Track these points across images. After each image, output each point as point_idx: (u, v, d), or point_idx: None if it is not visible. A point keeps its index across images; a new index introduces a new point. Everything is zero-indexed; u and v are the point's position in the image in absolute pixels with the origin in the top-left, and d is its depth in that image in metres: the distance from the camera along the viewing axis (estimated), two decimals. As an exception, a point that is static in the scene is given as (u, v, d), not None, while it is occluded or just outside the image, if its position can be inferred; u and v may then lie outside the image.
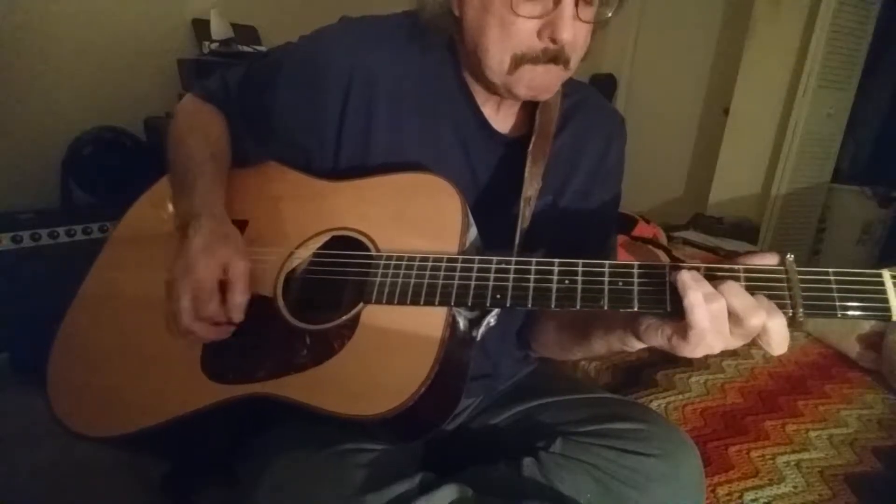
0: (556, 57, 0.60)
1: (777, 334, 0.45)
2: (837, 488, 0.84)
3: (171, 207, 0.71)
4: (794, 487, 0.84)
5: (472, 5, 0.60)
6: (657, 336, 0.51)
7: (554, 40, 0.58)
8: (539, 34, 0.58)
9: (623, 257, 1.64)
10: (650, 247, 1.83)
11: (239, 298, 0.60)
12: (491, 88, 0.66)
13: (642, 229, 2.03)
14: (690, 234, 2.43)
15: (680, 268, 0.49)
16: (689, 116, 3.08)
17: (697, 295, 0.45)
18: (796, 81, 2.32)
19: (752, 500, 0.81)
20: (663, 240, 2.07)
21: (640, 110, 3.21)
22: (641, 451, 0.63)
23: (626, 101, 3.33)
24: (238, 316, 0.60)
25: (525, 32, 0.58)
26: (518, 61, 0.60)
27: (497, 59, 0.60)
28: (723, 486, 0.83)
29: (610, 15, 0.61)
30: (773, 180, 2.44)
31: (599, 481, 0.62)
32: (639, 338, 0.54)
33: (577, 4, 0.57)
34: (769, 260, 0.49)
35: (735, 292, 0.46)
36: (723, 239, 2.39)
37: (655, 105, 3.17)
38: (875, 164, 2.52)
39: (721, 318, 0.46)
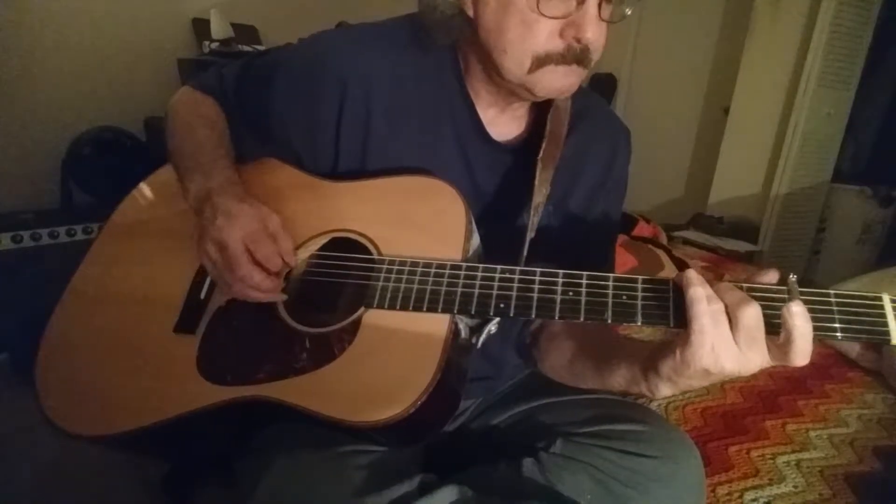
0: (580, 58, 0.59)
1: (801, 338, 0.43)
2: (837, 488, 0.84)
3: (168, 201, 0.71)
4: (794, 487, 0.83)
5: (489, 5, 0.59)
6: (667, 361, 0.49)
7: (578, 40, 0.57)
8: (562, 34, 0.57)
9: (623, 257, 1.64)
10: (650, 247, 1.83)
11: (288, 244, 0.61)
12: (506, 89, 0.65)
13: (642, 229, 2.03)
14: (690, 234, 2.43)
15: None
16: (689, 116, 3.08)
17: (698, 290, 0.46)
18: (796, 81, 2.32)
19: (753, 500, 0.80)
20: (663, 239, 2.07)
21: (640, 110, 3.21)
22: (642, 453, 0.63)
23: (626, 101, 3.33)
24: (293, 259, 0.62)
25: (547, 32, 0.57)
26: (540, 62, 0.59)
27: (517, 59, 0.59)
28: (723, 486, 0.83)
29: (629, 13, 0.60)
30: (773, 180, 2.44)
31: (600, 482, 0.62)
32: (657, 371, 0.51)
33: (599, 4, 0.56)
34: (770, 277, 0.49)
35: (727, 288, 0.47)
36: (723, 239, 2.39)
37: (655, 105, 3.17)
38: (875, 164, 2.52)
39: (720, 317, 0.45)
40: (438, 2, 0.61)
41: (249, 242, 0.59)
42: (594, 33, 0.57)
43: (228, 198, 0.61)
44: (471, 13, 0.61)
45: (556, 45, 0.58)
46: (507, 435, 0.75)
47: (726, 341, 0.45)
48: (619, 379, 0.60)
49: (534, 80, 0.60)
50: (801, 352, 0.44)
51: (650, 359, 0.53)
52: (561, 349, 0.74)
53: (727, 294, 0.46)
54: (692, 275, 0.47)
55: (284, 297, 0.62)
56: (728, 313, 0.45)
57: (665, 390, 0.53)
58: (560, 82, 0.61)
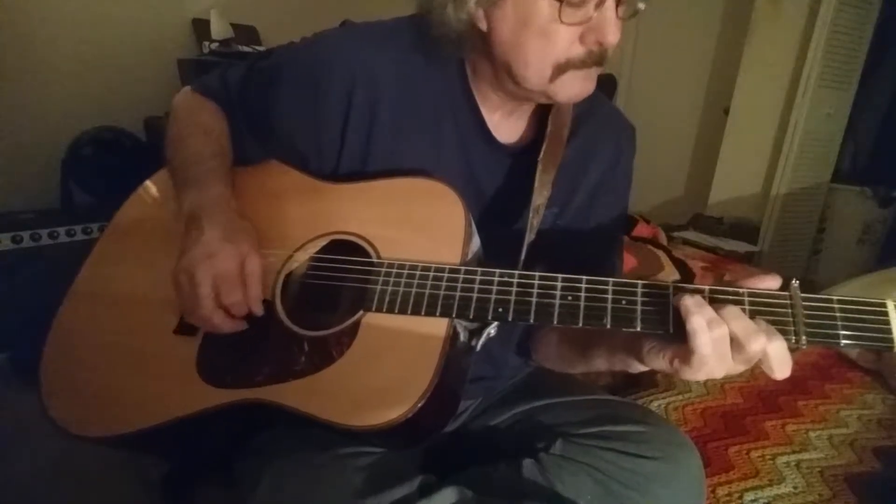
0: (600, 60, 0.59)
1: (778, 358, 0.45)
2: (837, 488, 0.84)
3: (171, 202, 0.70)
4: (794, 488, 0.83)
5: (505, 20, 0.59)
6: (659, 359, 0.51)
7: (601, 43, 0.57)
8: (582, 39, 0.57)
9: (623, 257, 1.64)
10: (650, 247, 1.83)
11: (257, 292, 0.60)
12: (522, 96, 0.65)
13: (642, 229, 2.03)
14: (690, 234, 2.43)
15: (684, 289, 0.49)
16: (689, 116, 3.08)
17: (700, 320, 0.45)
18: (796, 81, 2.32)
19: (752, 501, 0.80)
20: (663, 240, 2.07)
21: (640, 110, 3.20)
22: (642, 453, 0.63)
23: (626, 101, 3.33)
24: (259, 308, 0.60)
25: (567, 40, 0.57)
26: (562, 69, 0.59)
27: (538, 69, 0.59)
28: (723, 486, 0.83)
29: (642, 7, 0.60)
30: (773, 180, 2.44)
31: (600, 483, 0.62)
32: (641, 360, 0.53)
33: (616, 5, 0.56)
34: (770, 283, 0.49)
35: (736, 316, 0.46)
36: (722, 239, 2.39)
37: (655, 105, 3.17)
38: (875, 164, 2.51)
39: (723, 343, 0.46)
40: (448, 19, 0.60)
41: (220, 283, 0.58)
42: (614, 35, 0.57)
43: (214, 228, 0.60)
44: (484, 27, 0.61)
45: (577, 51, 0.58)
46: (507, 435, 0.75)
47: (725, 363, 0.46)
48: (602, 361, 0.62)
49: (555, 88, 0.61)
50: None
51: (634, 345, 0.54)
52: (548, 340, 0.75)
53: (736, 323, 0.46)
54: (689, 302, 0.46)
55: (245, 327, 0.61)
56: (733, 338, 0.46)
57: (640, 368, 0.55)
58: (580, 87, 0.62)
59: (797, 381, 1.14)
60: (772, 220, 2.46)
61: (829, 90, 2.32)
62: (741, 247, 2.34)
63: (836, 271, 2.42)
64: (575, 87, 0.61)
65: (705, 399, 1.05)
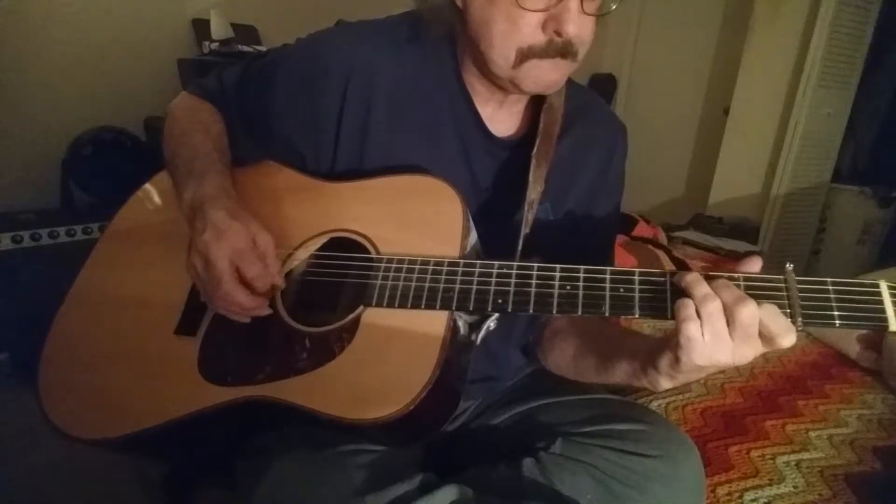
0: (563, 51, 0.59)
1: (774, 322, 0.46)
2: (837, 488, 0.84)
3: (169, 204, 0.70)
4: (794, 487, 0.83)
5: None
6: (665, 357, 0.51)
7: (559, 33, 0.57)
8: (544, 27, 0.58)
9: (623, 257, 1.64)
10: (650, 247, 1.83)
11: (276, 266, 0.60)
12: (496, 83, 0.65)
13: (642, 229, 2.03)
14: (690, 234, 2.42)
15: (681, 275, 0.50)
16: (689, 116, 3.08)
17: (704, 288, 0.47)
18: (796, 81, 2.32)
19: (752, 500, 0.80)
20: (663, 240, 2.07)
21: (640, 110, 3.21)
22: (642, 452, 0.63)
23: (626, 101, 3.33)
24: (281, 281, 0.61)
25: (530, 26, 0.58)
26: (524, 56, 0.59)
27: (502, 53, 0.60)
28: (723, 486, 0.83)
29: (614, 7, 0.61)
30: (773, 180, 2.44)
31: (600, 482, 0.62)
32: (656, 367, 0.53)
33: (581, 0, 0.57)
34: (751, 266, 0.50)
35: (725, 286, 0.47)
36: (723, 239, 2.39)
37: (655, 105, 3.17)
38: (875, 164, 2.52)
39: (718, 316, 0.46)
40: None
41: (238, 261, 0.58)
42: (574, 28, 0.57)
43: (219, 211, 0.60)
44: (460, 4, 0.62)
45: (539, 38, 0.58)
46: (507, 435, 0.75)
47: (722, 340, 0.46)
48: (621, 374, 0.62)
49: (520, 76, 0.61)
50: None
51: (650, 354, 0.55)
52: (564, 346, 0.75)
53: (724, 292, 0.47)
54: (691, 279, 0.48)
55: (269, 311, 0.61)
56: (725, 311, 0.46)
57: (665, 384, 0.55)
58: (546, 77, 0.61)
59: (797, 381, 1.14)
60: (772, 220, 2.47)
61: (829, 90, 2.32)
62: (741, 247, 2.34)
63: (836, 271, 2.42)
64: (540, 77, 0.61)
65: (705, 399, 1.05)
